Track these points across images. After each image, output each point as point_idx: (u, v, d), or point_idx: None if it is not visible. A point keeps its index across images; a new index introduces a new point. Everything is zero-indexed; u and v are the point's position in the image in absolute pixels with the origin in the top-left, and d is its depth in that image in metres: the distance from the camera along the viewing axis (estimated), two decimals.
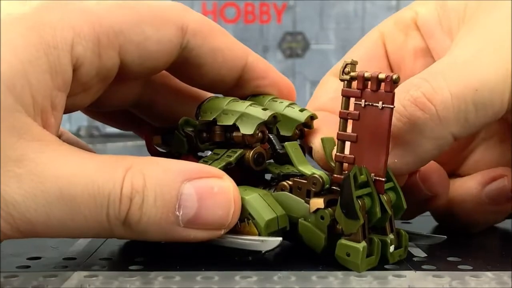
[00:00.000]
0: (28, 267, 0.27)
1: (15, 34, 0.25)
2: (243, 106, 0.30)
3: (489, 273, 0.26)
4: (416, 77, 0.28)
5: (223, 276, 0.26)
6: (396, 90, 0.26)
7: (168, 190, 0.25)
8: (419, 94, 0.27)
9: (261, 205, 0.28)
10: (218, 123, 0.30)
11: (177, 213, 0.25)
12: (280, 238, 0.26)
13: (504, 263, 0.27)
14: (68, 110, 0.28)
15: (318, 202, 0.27)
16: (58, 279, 0.25)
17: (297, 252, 0.29)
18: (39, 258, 0.29)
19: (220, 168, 0.28)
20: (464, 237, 0.34)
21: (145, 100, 0.34)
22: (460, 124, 0.27)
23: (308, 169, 0.28)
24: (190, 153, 0.31)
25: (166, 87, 0.34)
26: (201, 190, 0.26)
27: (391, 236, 0.27)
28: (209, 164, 0.29)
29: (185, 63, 0.30)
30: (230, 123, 0.30)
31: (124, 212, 0.25)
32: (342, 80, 0.27)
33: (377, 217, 0.26)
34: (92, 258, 0.28)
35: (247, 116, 0.29)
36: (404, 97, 0.27)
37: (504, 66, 0.28)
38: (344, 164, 0.27)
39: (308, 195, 0.27)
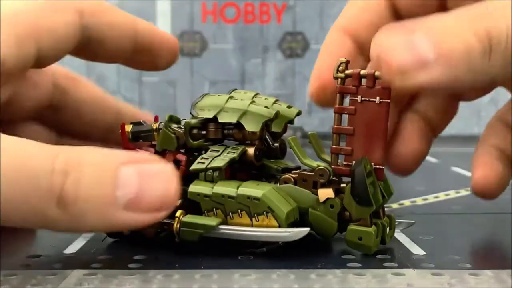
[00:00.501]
0: (28, 265, 0.27)
1: None
2: (245, 104, 0.30)
3: (488, 271, 0.26)
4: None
5: (222, 274, 0.26)
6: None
7: (106, 169, 0.25)
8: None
9: (278, 198, 0.29)
10: (219, 120, 0.30)
11: (117, 193, 0.24)
12: (308, 228, 0.28)
13: (503, 262, 0.27)
14: None
15: (328, 192, 0.29)
16: (57, 278, 0.25)
17: (296, 250, 0.29)
18: (38, 256, 0.29)
19: (224, 165, 0.29)
20: (464, 236, 0.34)
21: (54, 105, 0.36)
22: None
23: (311, 162, 0.30)
24: (178, 150, 0.31)
25: (75, 92, 0.37)
26: (140, 171, 0.25)
27: (386, 219, 0.30)
28: (211, 161, 0.29)
29: (89, 42, 0.33)
30: (234, 120, 0.30)
31: (58, 187, 0.24)
32: (336, 78, 0.29)
33: (379, 203, 0.28)
34: (91, 257, 0.28)
35: (251, 114, 0.30)
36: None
37: None
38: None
39: (314, 186, 0.29)
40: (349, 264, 0.27)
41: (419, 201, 0.43)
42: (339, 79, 0.29)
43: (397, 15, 0.33)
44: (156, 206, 0.25)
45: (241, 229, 0.29)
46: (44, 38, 0.30)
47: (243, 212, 0.29)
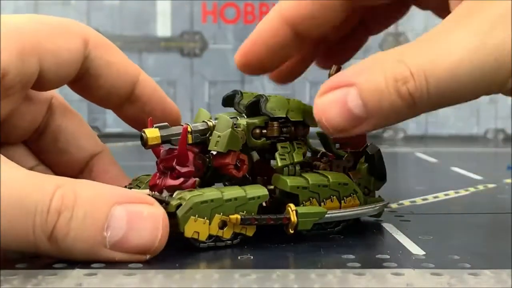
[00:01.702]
0: (28, 265, 0.27)
1: None
2: (300, 104, 0.33)
3: (487, 271, 0.26)
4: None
5: (223, 274, 0.26)
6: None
7: (99, 210, 0.26)
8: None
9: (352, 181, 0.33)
10: (291, 119, 0.32)
11: (105, 233, 0.26)
12: (385, 203, 0.36)
13: (503, 261, 0.27)
14: None
15: (356, 175, 0.35)
16: (57, 278, 0.25)
17: (296, 250, 0.29)
18: (38, 256, 0.29)
19: (304, 159, 0.33)
20: (463, 236, 0.34)
21: (40, 129, 0.35)
22: None
23: (339, 151, 0.35)
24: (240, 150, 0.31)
25: (68, 117, 0.36)
26: (131, 213, 0.27)
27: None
28: (291, 157, 0.32)
29: (85, 74, 0.33)
30: (301, 119, 0.33)
31: (51, 225, 0.25)
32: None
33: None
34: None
35: (307, 113, 0.32)
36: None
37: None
38: None
39: (344, 171, 0.34)
40: (349, 264, 0.27)
41: (418, 201, 0.44)
42: None
43: (346, 10, 0.32)
44: (140, 250, 0.27)
45: (346, 210, 0.33)
46: (47, 58, 0.30)
47: (334, 197, 0.32)
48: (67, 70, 0.32)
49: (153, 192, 0.30)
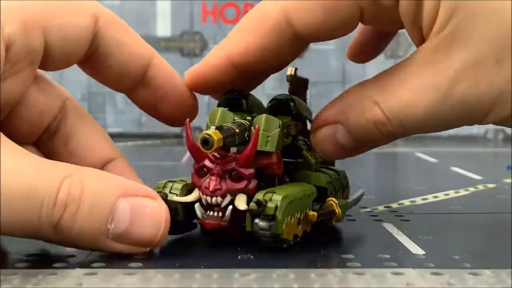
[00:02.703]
0: (28, 265, 0.27)
1: None
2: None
3: (487, 271, 0.26)
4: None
5: (222, 274, 0.26)
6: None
7: (104, 203, 0.26)
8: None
9: None
10: (308, 118, 0.34)
11: (109, 226, 0.26)
12: None
13: (503, 261, 0.27)
14: None
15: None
16: (57, 277, 0.25)
17: (296, 250, 0.29)
18: (38, 255, 0.29)
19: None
20: (463, 236, 0.34)
21: (51, 130, 0.34)
22: None
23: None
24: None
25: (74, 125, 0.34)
26: (135, 208, 0.27)
27: None
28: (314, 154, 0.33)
29: (94, 53, 0.32)
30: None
31: (57, 217, 0.25)
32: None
33: None
34: (91, 256, 0.28)
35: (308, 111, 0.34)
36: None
37: None
38: None
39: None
40: (348, 264, 0.27)
41: (418, 200, 0.44)
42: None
43: (296, 38, 0.31)
44: (142, 243, 0.27)
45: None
46: (53, 32, 0.30)
47: (341, 189, 0.35)
48: (75, 47, 0.31)
49: (216, 197, 0.29)
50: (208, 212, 0.30)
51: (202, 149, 0.28)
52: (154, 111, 0.35)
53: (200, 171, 0.30)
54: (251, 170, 0.30)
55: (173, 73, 0.34)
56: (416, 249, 0.30)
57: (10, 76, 0.29)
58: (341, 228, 0.34)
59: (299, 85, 0.35)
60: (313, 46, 1.02)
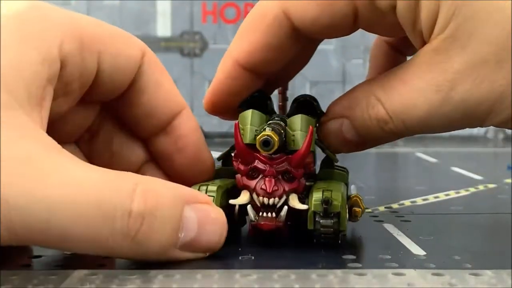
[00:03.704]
0: (29, 265, 0.27)
1: (3, 30, 0.25)
2: None
3: (488, 271, 0.26)
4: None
5: (223, 274, 0.26)
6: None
7: (176, 212, 0.26)
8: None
9: None
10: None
11: (180, 235, 0.26)
12: None
13: (504, 261, 0.27)
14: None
15: None
16: (58, 278, 0.25)
17: (296, 250, 0.29)
18: (39, 256, 0.29)
19: None
20: (464, 236, 0.34)
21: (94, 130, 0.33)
22: None
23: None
24: None
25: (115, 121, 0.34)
26: (201, 215, 0.26)
27: None
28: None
29: (130, 87, 0.31)
30: None
31: (134, 229, 0.24)
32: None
33: None
34: (92, 257, 0.28)
35: None
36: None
37: None
38: None
39: None
40: (349, 264, 0.27)
41: (419, 201, 0.44)
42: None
43: (295, 33, 0.31)
44: (209, 249, 0.27)
45: None
46: (106, 60, 0.29)
47: None
48: (123, 78, 0.30)
49: (274, 198, 0.29)
50: (261, 213, 0.30)
51: (262, 150, 0.29)
52: (169, 162, 0.33)
53: (251, 173, 0.30)
54: (302, 170, 0.30)
55: (197, 128, 0.34)
56: (417, 250, 0.30)
57: (60, 96, 0.28)
58: None
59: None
60: None
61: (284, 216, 0.30)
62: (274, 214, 0.30)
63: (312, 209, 0.29)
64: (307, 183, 0.31)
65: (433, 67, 0.28)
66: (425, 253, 0.29)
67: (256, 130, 0.30)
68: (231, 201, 0.30)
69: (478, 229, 0.36)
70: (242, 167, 0.30)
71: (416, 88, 0.28)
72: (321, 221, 0.29)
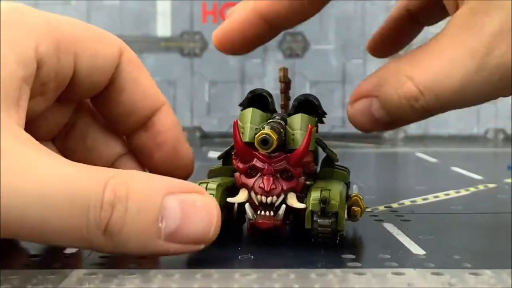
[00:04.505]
0: (28, 265, 0.27)
1: None
2: None
3: (488, 271, 0.26)
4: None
5: (223, 274, 0.26)
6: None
7: (152, 201, 0.25)
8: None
9: None
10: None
11: (160, 224, 0.25)
12: None
13: (504, 261, 0.27)
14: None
15: None
16: (57, 277, 0.25)
17: (296, 250, 0.29)
18: (38, 256, 0.29)
19: None
20: (464, 236, 0.34)
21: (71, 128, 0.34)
22: None
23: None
24: None
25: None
26: (184, 203, 0.26)
27: None
28: None
29: (109, 86, 0.32)
30: None
31: (106, 219, 0.24)
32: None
33: None
34: (91, 256, 0.28)
35: None
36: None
37: None
38: None
39: None
40: (349, 264, 0.27)
41: (419, 200, 0.44)
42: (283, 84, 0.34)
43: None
44: (195, 240, 0.26)
45: None
46: (83, 60, 0.29)
47: None
48: (101, 77, 0.31)
49: (272, 197, 0.29)
50: (259, 212, 0.30)
51: (260, 149, 0.29)
52: (148, 159, 0.34)
53: (250, 172, 0.30)
54: (300, 169, 0.30)
55: (177, 123, 0.34)
56: (417, 249, 0.30)
57: (37, 95, 0.28)
58: None
59: (288, 84, 0.36)
60: (313, 46, 1.02)
61: (282, 214, 0.30)
62: (272, 213, 0.30)
63: (310, 208, 0.29)
64: (307, 182, 0.31)
65: (467, 30, 0.27)
66: (424, 252, 0.29)
67: (256, 128, 0.30)
68: (229, 199, 0.30)
69: (478, 229, 0.36)
70: (241, 165, 0.30)
71: (450, 57, 0.27)
72: (318, 220, 0.29)
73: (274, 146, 0.29)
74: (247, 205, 0.30)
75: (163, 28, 1.04)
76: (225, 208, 0.30)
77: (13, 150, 0.24)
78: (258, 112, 0.31)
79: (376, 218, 0.37)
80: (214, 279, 0.25)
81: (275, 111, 0.33)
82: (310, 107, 0.32)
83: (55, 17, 0.29)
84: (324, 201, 0.29)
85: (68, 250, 0.29)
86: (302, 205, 0.29)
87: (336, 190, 0.29)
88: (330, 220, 0.29)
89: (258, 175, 0.30)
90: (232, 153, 0.31)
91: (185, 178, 0.34)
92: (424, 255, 0.29)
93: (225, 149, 0.34)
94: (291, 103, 0.35)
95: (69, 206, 0.24)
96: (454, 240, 0.32)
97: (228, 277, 0.25)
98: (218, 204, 0.27)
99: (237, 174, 0.31)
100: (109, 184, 0.24)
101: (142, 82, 0.33)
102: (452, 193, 0.47)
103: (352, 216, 0.31)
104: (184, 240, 0.26)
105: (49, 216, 0.24)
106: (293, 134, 0.30)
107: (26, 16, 0.28)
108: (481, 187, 0.51)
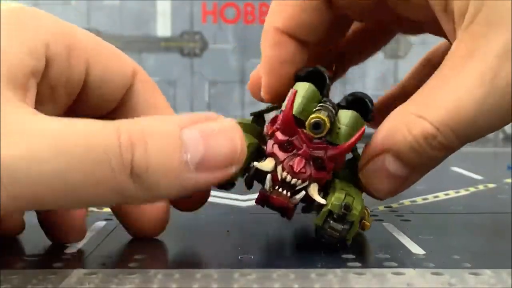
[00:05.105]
0: (28, 265, 0.27)
1: None
2: None
3: (488, 271, 0.26)
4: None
5: (222, 274, 0.26)
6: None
7: (170, 136, 0.24)
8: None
9: None
10: None
11: (185, 156, 0.24)
12: None
13: (504, 261, 0.27)
14: None
15: None
16: (57, 277, 0.25)
17: (296, 250, 0.29)
18: (38, 256, 0.29)
19: None
20: (464, 236, 0.34)
21: None
22: None
23: None
24: None
25: None
26: (203, 133, 0.25)
27: None
28: None
29: (120, 107, 0.31)
30: None
31: (129, 162, 0.23)
32: None
33: None
34: (91, 256, 0.28)
35: None
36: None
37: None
38: None
39: None
40: (349, 264, 0.27)
41: (419, 200, 0.44)
42: None
43: (334, 8, 0.32)
44: (225, 163, 0.25)
45: None
46: (96, 71, 0.28)
47: None
48: (112, 94, 0.30)
49: (297, 180, 0.28)
50: (278, 187, 0.29)
51: (309, 131, 0.28)
52: None
53: (286, 145, 0.29)
54: (333, 164, 0.29)
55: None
56: (417, 249, 0.30)
57: (46, 101, 0.28)
58: None
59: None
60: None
61: (298, 200, 0.28)
62: (289, 194, 0.28)
63: (329, 207, 0.28)
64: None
65: (471, 58, 0.27)
66: (424, 252, 0.29)
67: (305, 104, 0.29)
68: (256, 164, 0.29)
69: (477, 229, 0.36)
70: (280, 135, 0.29)
71: (457, 88, 0.27)
72: (331, 222, 0.28)
73: (324, 133, 0.28)
74: (269, 176, 0.29)
75: (163, 28, 1.04)
76: (245, 170, 0.29)
77: (18, 117, 0.23)
78: (314, 90, 0.30)
79: (376, 218, 0.37)
80: (214, 279, 0.25)
81: (327, 96, 0.31)
82: (362, 107, 0.31)
83: (69, 25, 0.28)
84: (347, 207, 0.28)
85: (69, 250, 0.29)
86: (322, 201, 0.28)
87: (359, 201, 0.29)
88: (342, 227, 0.28)
89: (293, 152, 0.29)
90: (266, 116, 0.30)
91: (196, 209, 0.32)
92: (423, 255, 0.29)
93: (265, 107, 0.32)
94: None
95: (89, 160, 0.23)
96: (453, 240, 0.32)
97: (228, 277, 0.25)
98: (236, 123, 0.26)
99: (270, 141, 0.29)
100: (122, 130, 0.24)
101: (158, 107, 0.31)
102: (452, 193, 0.47)
103: (360, 228, 0.30)
104: (215, 166, 0.25)
105: (70, 173, 0.23)
106: (339, 128, 0.29)
107: (40, 16, 0.27)
108: (481, 187, 0.51)
